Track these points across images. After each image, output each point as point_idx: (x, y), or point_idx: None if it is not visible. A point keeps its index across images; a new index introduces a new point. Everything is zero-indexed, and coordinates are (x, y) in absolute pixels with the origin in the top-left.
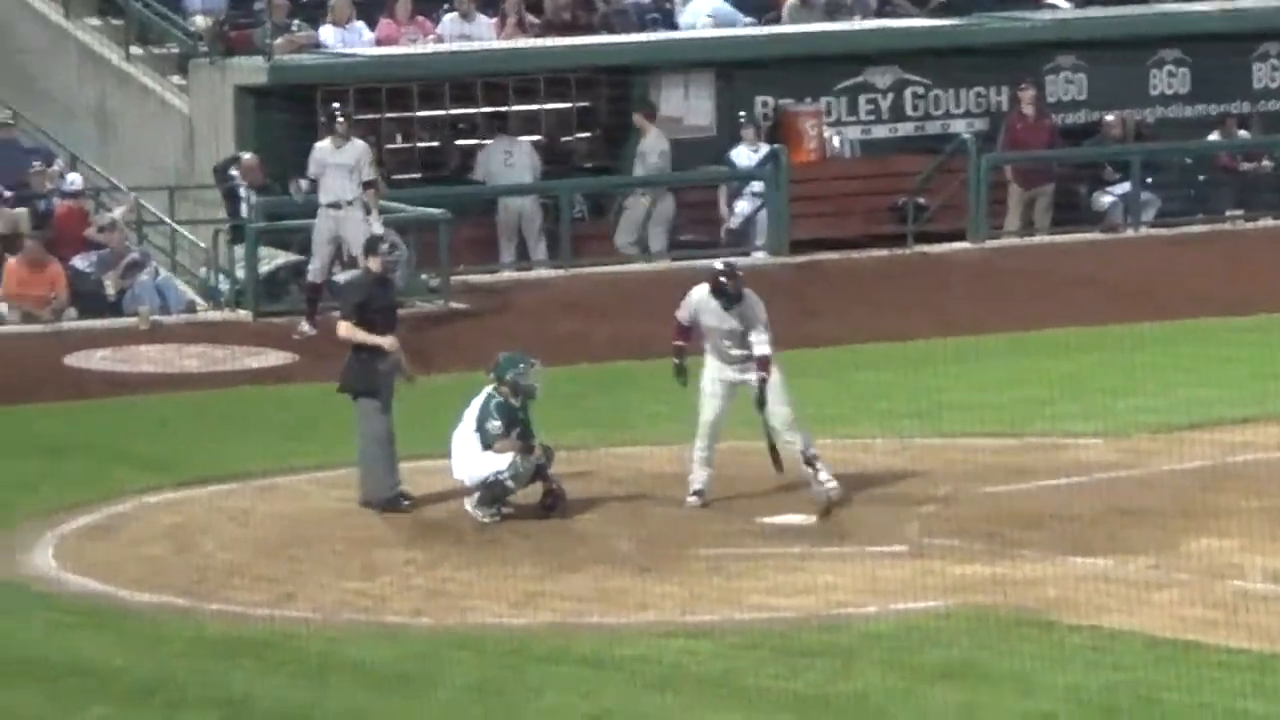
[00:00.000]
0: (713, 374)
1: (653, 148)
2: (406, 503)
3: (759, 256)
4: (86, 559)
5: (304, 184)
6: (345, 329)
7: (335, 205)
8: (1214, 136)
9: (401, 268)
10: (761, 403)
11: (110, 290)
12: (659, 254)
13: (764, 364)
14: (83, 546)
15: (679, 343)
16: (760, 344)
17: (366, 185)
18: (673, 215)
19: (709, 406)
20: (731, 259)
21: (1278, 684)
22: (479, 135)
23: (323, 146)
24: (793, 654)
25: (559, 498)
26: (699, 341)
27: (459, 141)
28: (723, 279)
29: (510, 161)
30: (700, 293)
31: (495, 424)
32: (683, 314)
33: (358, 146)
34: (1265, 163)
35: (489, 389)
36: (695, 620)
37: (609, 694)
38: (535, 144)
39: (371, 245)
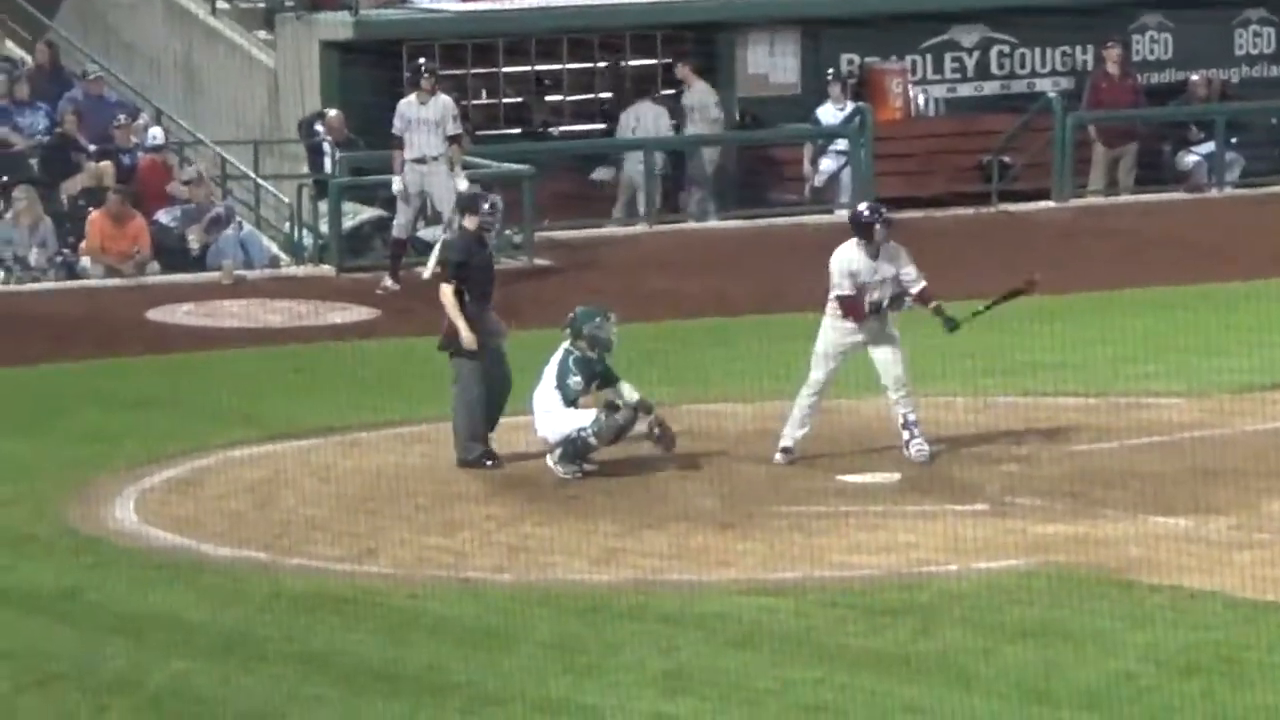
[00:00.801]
0: (836, 337)
1: (701, 103)
2: (489, 463)
3: (843, 214)
4: (169, 513)
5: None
6: (446, 295)
7: (420, 160)
8: None
9: (498, 226)
10: (951, 325)
11: (194, 245)
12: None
13: (924, 295)
14: (165, 500)
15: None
16: (917, 280)
17: (451, 140)
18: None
19: (822, 366)
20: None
21: None
22: (563, 92)
23: (408, 102)
24: (873, 612)
25: (666, 432)
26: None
27: (546, 98)
28: (869, 218)
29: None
30: (845, 253)
31: (575, 379)
32: (844, 287)
33: (442, 101)
34: None
35: (565, 344)
36: (775, 578)
37: (688, 651)
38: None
39: (471, 203)
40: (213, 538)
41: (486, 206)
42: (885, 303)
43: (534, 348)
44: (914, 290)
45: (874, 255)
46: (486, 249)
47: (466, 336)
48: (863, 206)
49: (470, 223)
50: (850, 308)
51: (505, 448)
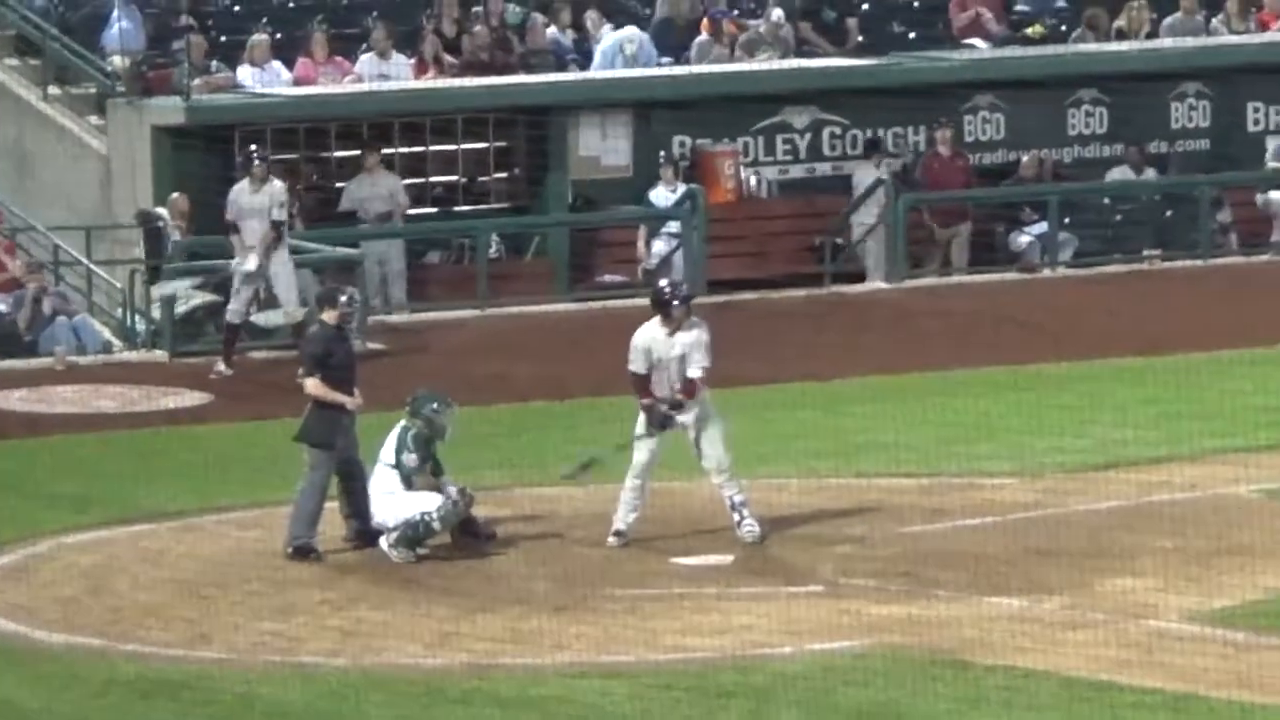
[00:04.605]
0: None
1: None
2: (314, 555)
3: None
4: (2, 600)
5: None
6: (312, 386)
7: (253, 247)
8: (1121, 170)
9: (357, 318)
10: (698, 444)
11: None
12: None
13: (690, 389)
14: None
15: (646, 400)
16: (696, 367)
17: (274, 225)
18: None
19: (644, 448)
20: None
21: None
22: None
23: (240, 189)
24: (708, 694)
25: (491, 534)
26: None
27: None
28: (667, 296)
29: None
30: (644, 331)
31: (411, 455)
32: (636, 364)
33: (275, 187)
34: None
35: (403, 422)
36: (610, 661)
37: None
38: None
39: (329, 297)
40: (46, 624)
41: (345, 299)
42: (672, 412)
43: (367, 432)
44: (688, 372)
45: (672, 332)
46: (346, 341)
47: (352, 401)
48: (663, 283)
49: (330, 316)
50: (635, 384)
51: (337, 530)
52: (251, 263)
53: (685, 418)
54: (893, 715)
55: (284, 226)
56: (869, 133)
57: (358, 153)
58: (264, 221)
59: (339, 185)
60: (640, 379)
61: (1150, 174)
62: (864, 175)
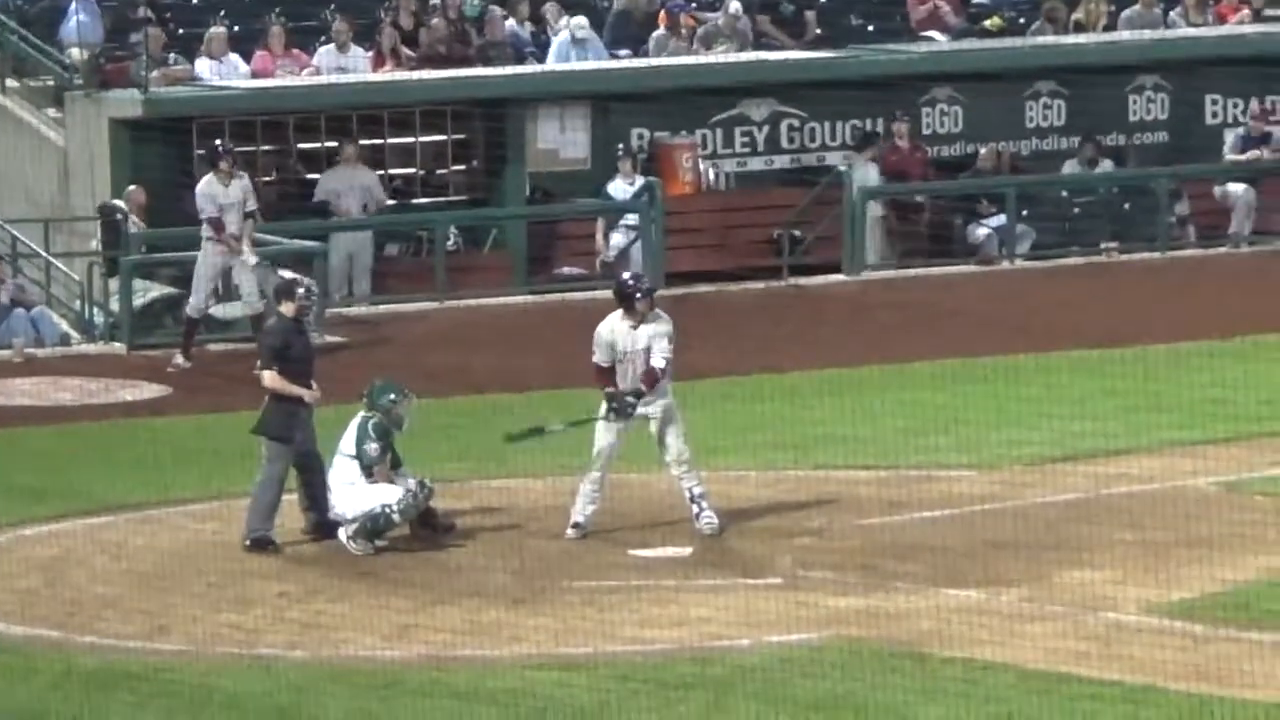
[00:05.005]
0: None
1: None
2: (272, 547)
3: None
4: None
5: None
6: (270, 379)
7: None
8: (1071, 165)
9: (315, 310)
10: (622, 417)
11: None
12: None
13: (650, 377)
14: None
15: (610, 389)
16: (658, 356)
17: (247, 216)
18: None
19: (604, 438)
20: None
21: (1150, 716)
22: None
23: (210, 182)
24: (666, 686)
25: (450, 526)
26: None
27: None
28: (630, 289)
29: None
30: (607, 323)
31: (373, 445)
32: (600, 356)
33: (243, 182)
34: None
35: (362, 413)
36: (568, 653)
37: None
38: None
39: (288, 290)
40: (4, 616)
41: (302, 291)
42: (633, 400)
43: (325, 425)
44: (651, 362)
45: (635, 325)
46: (304, 334)
47: (310, 394)
48: (626, 276)
49: (288, 309)
50: (597, 375)
51: (295, 523)
52: (251, 257)
53: (649, 409)
54: (851, 707)
55: (256, 216)
56: (826, 125)
57: (316, 145)
58: (236, 214)
59: (308, 177)
60: (603, 370)
61: (1107, 165)
62: (864, 171)
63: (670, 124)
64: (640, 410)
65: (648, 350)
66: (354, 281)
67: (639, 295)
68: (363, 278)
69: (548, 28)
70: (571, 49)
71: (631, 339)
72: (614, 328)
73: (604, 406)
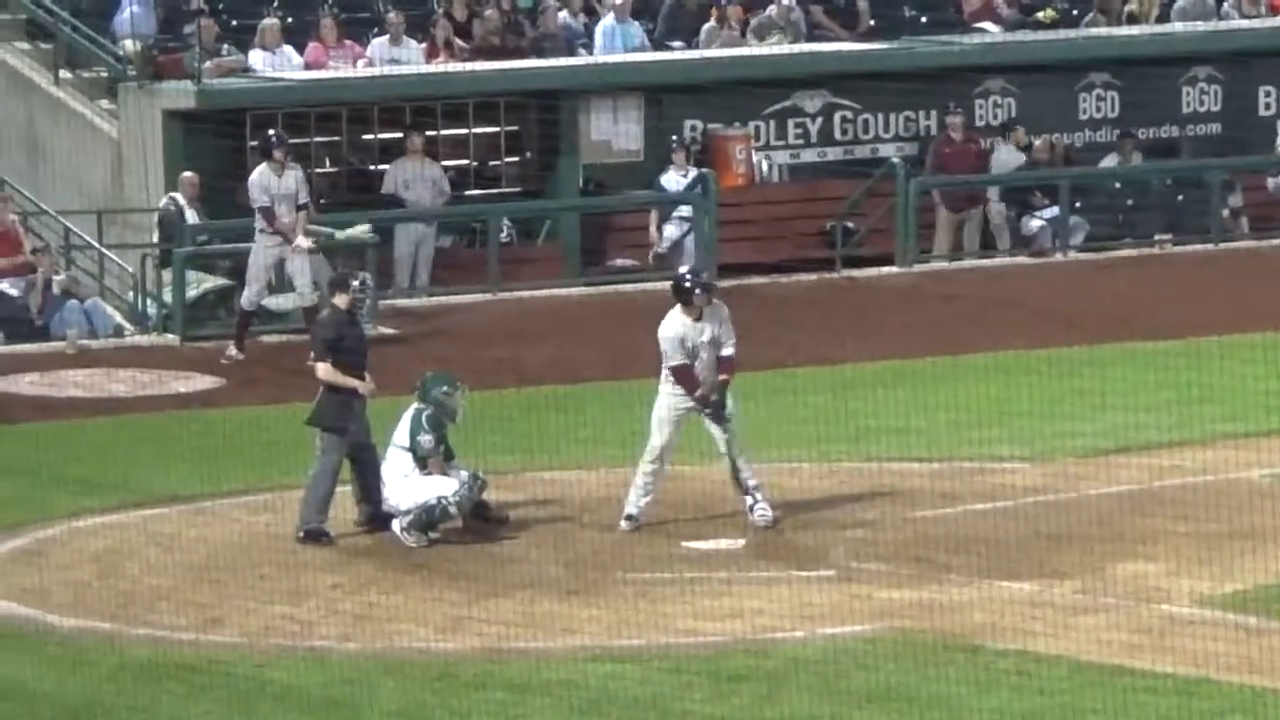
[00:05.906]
0: (672, 402)
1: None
2: (325, 539)
3: None
4: (13, 584)
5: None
6: (324, 371)
7: (280, 233)
8: (1110, 159)
9: (369, 302)
10: (720, 419)
11: (34, 312)
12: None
13: (730, 366)
14: (9, 571)
15: (700, 393)
16: (728, 345)
17: (300, 208)
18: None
19: (661, 432)
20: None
21: (1203, 708)
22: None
23: (264, 173)
24: (719, 679)
25: (503, 518)
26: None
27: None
28: (688, 284)
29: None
30: (670, 322)
31: (427, 437)
32: (675, 357)
33: (297, 173)
34: None
35: (416, 404)
36: (622, 644)
37: (534, 719)
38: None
39: (341, 282)
40: (58, 608)
41: (356, 284)
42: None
43: (378, 417)
44: (722, 352)
45: (697, 318)
46: (358, 326)
47: (364, 386)
48: (683, 271)
49: (341, 301)
50: (682, 378)
51: (349, 515)
52: (306, 242)
53: (730, 404)
54: (904, 699)
55: (310, 207)
56: (879, 117)
57: (370, 136)
58: (290, 206)
59: (368, 169)
60: (684, 370)
61: (1137, 159)
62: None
63: (723, 116)
64: (729, 407)
65: (713, 341)
66: (418, 271)
67: (698, 290)
68: (425, 268)
69: (601, 19)
70: (616, 29)
71: (697, 332)
72: (680, 324)
73: (661, 404)
